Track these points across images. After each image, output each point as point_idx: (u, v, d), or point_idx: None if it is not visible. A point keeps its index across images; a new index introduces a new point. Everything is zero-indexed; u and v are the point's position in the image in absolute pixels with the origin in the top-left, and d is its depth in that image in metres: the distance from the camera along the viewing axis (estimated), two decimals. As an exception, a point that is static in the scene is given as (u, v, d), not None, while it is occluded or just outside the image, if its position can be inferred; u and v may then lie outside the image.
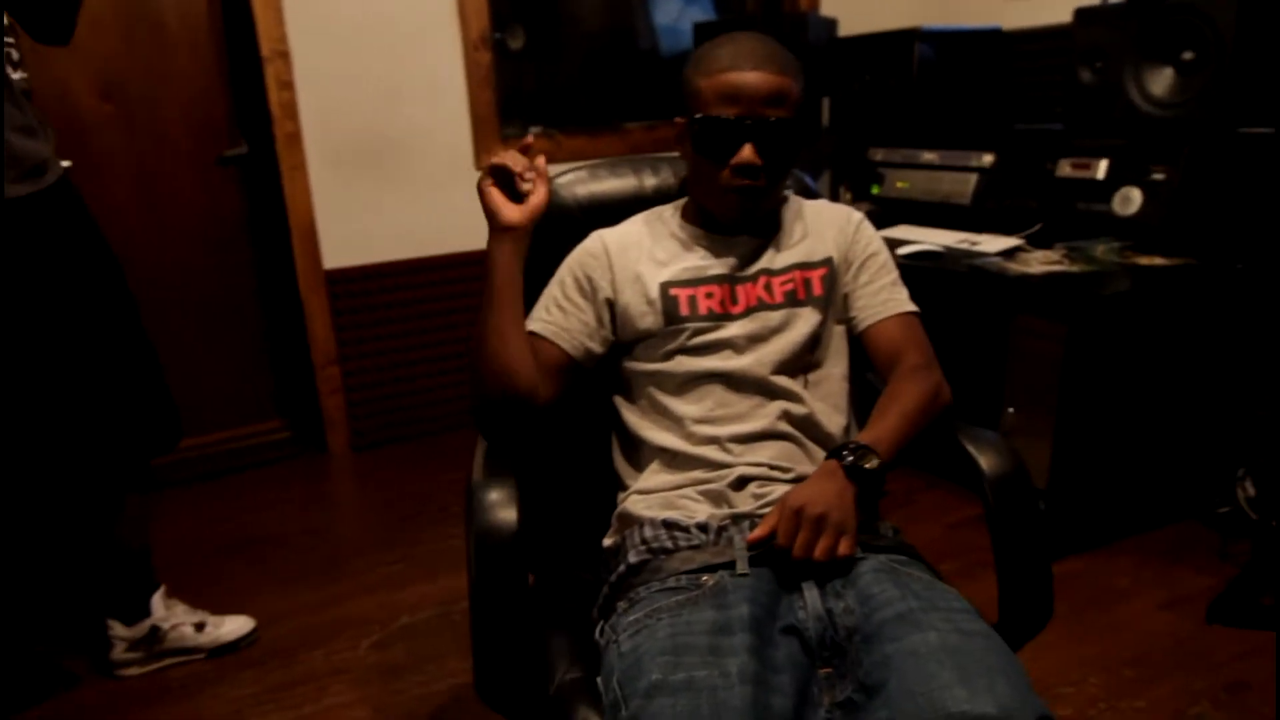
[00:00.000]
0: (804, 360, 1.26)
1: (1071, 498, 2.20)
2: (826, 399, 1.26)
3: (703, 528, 1.15)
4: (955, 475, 1.21)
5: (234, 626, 2.07)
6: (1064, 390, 2.14)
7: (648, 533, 1.17)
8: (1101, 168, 2.34)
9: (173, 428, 1.91)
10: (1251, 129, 2.14)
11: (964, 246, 2.44)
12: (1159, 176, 2.21)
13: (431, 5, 2.98)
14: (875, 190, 2.97)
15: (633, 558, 1.15)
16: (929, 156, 2.82)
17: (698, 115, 1.22)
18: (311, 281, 3.00)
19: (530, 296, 1.32)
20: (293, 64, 2.84)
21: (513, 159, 1.22)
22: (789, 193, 1.38)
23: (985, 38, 3.00)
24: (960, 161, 2.72)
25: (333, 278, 3.01)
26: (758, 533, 1.08)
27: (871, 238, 1.33)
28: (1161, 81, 2.23)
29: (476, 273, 3.18)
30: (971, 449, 1.15)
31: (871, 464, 1.09)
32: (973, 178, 2.67)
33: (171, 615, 2.01)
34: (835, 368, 1.29)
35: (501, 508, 1.10)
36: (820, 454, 1.21)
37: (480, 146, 3.14)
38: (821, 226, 1.32)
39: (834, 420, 1.25)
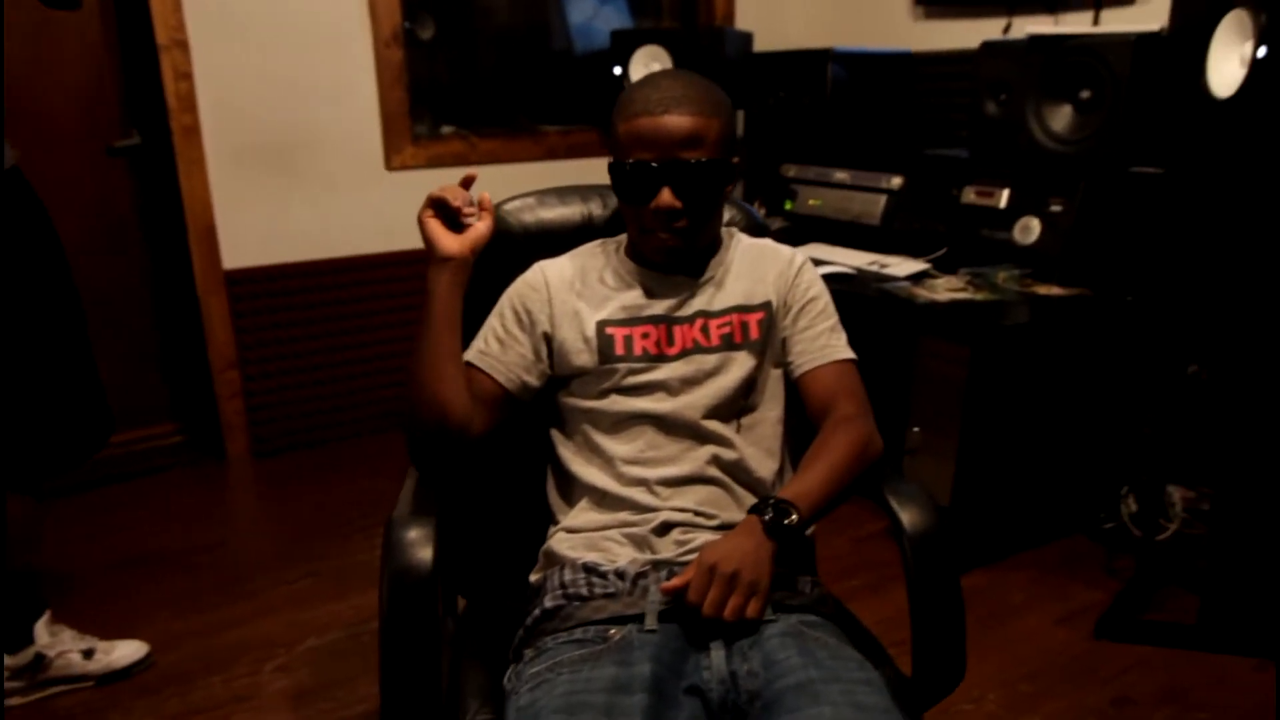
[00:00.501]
0: (737, 405, 1.26)
1: (973, 514, 2.29)
2: (759, 444, 1.27)
3: (621, 575, 1.15)
4: (864, 489, 1.21)
5: (126, 652, 1.97)
6: (966, 411, 2.22)
7: (567, 576, 1.17)
8: (1003, 197, 2.44)
9: (107, 424, 1.86)
10: (1143, 168, 2.27)
11: (874, 269, 2.51)
12: (1057, 209, 2.32)
13: (342, 0, 2.88)
14: (788, 206, 3.02)
15: (548, 602, 1.15)
16: (841, 175, 2.88)
17: (614, 162, 1.22)
18: (210, 281, 2.87)
19: (473, 324, 1.32)
20: (191, 54, 2.71)
21: (452, 194, 1.21)
22: (734, 230, 1.38)
23: (896, 61, 3.08)
24: (870, 182, 2.79)
25: (233, 278, 2.89)
26: (673, 584, 1.08)
27: (812, 282, 1.32)
28: (1061, 118, 2.34)
29: (387, 275, 3.12)
30: (894, 503, 1.15)
31: (791, 521, 1.09)
32: (882, 199, 2.74)
33: (57, 642, 1.90)
34: (770, 412, 1.29)
35: (418, 547, 1.09)
36: (750, 499, 1.22)
37: (391, 146, 3.06)
38: (763, 269, 1.31)
39: (766, 465, 1.26)
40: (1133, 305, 2.29)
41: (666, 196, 1.18)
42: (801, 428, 1.29)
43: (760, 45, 3.28)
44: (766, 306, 1.29)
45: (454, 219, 1.22)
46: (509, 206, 1.44)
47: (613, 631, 1.08)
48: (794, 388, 1.30)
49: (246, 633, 2.10)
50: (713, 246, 1.32)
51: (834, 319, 1.32)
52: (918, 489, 1.18)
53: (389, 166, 3.07)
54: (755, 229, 1.47)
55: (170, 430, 3.08)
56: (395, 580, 1.08)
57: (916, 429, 2.34)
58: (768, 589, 1.06)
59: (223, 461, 3.00)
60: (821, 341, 1.28)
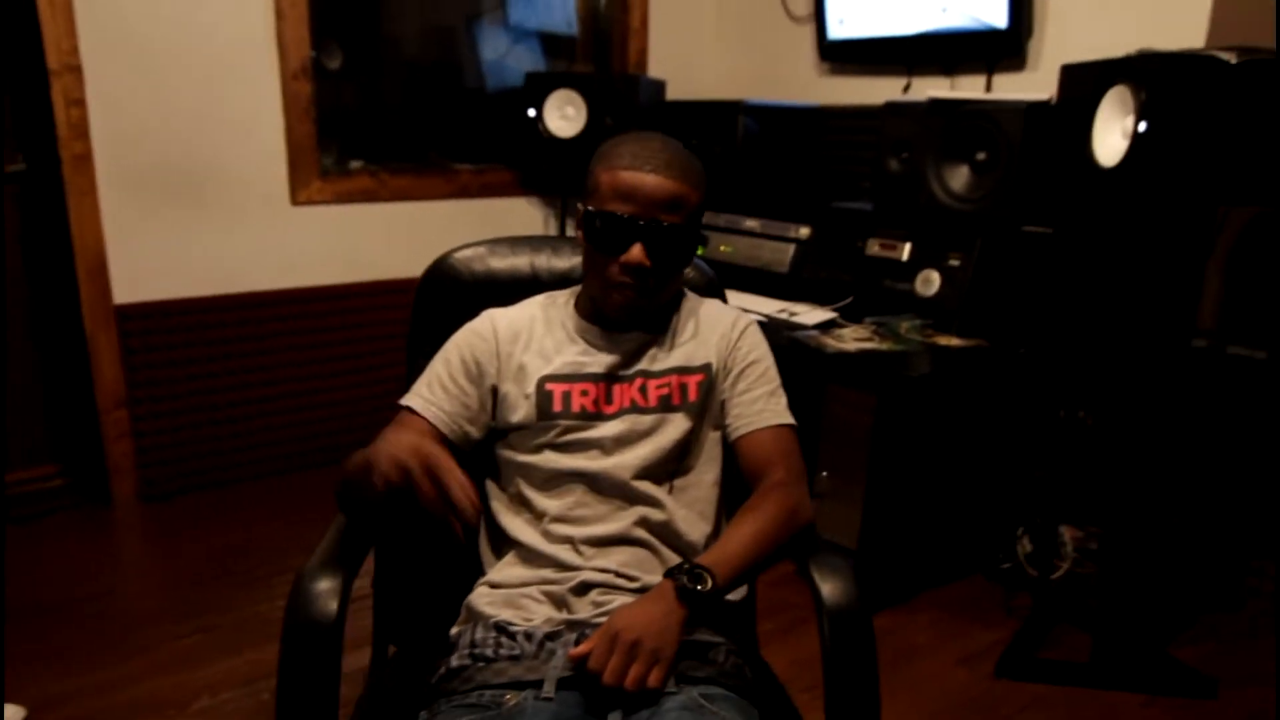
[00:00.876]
0: (670, 466, 1.26)
1: (879, 556, 2.35)
2: (692, 506, 1.26)
3: (529, 636, 1.14)
4: (790, 555, 1.22)
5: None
6: (873, 456, 2.29)
7: (479, 634, 1.16)
8: (905, 250, 2.54)
9: None
10: (1034, 228, 2.40)
11: (784, 316, 2.57)
12: (955, 263, 2.43)
13: (247, 28, 2.81)
14: (700, 252, 3.05)
15: (455, 661, 1.14)
16: (751, 224, 2.95)
17: (592, 208, 1.23)
18: (99, 316, 2.73)
19: (416, 368, 1.31)
20: (85, 80, 2.59)
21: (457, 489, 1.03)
22: (688, 291, 1.38)
23: (805, 114, 3.19)
24: (780, 232, 2.86)
25: (125, 313, 2.75)
26: (578, 650, 1.06)
27: (754, 346, 1.32)
28: (959, 177, 2.46)
29: (290, 312, 3.03)
30: (815, 576, 1.14)
31: (705, 587, 1.08)
32: (791, 248, 2.82)
33: (-78, 709, 1.76)
34: (706, 474, 1.28)
35: (323, 600, 1.08)
36: (676, 562, 1.22)
37: (297, 180, 2.98)
38: (706, 331, 1.32)
39: (697, 528, 1.25)
40: (1025, 355, 2.41)
41: (637, 252, 1.19)
42: (740, 491, 1.29)
43: (672, 94, 3.35)
44: (706, 369, 1.29)
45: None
46: (460, 255, 1.44)
47: (508, 697, 1.07)
48: (731, 451, 1.30)
49: (135, 692, 1.98)
50: (664, 307, 1.32)
51: (774, 384, 1.32)
52: (841, 562, 1.18)
53: (294, 201, 3.00)
54: (711, 287, 1.47)
55: (51, 472, 2.90)
56: (295, 633, 1.07)
57: (825, 474, 2.40)
58: (671, 658, 1.05)
59: (108, 506, 2.84)
60: (759, 406, 1.28)
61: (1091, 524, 2.42)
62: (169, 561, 2.59)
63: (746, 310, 2.58)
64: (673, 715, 1.03)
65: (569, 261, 1.49)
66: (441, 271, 1.44)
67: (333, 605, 1.07)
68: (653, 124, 3.15)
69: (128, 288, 2.75)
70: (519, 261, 1.47)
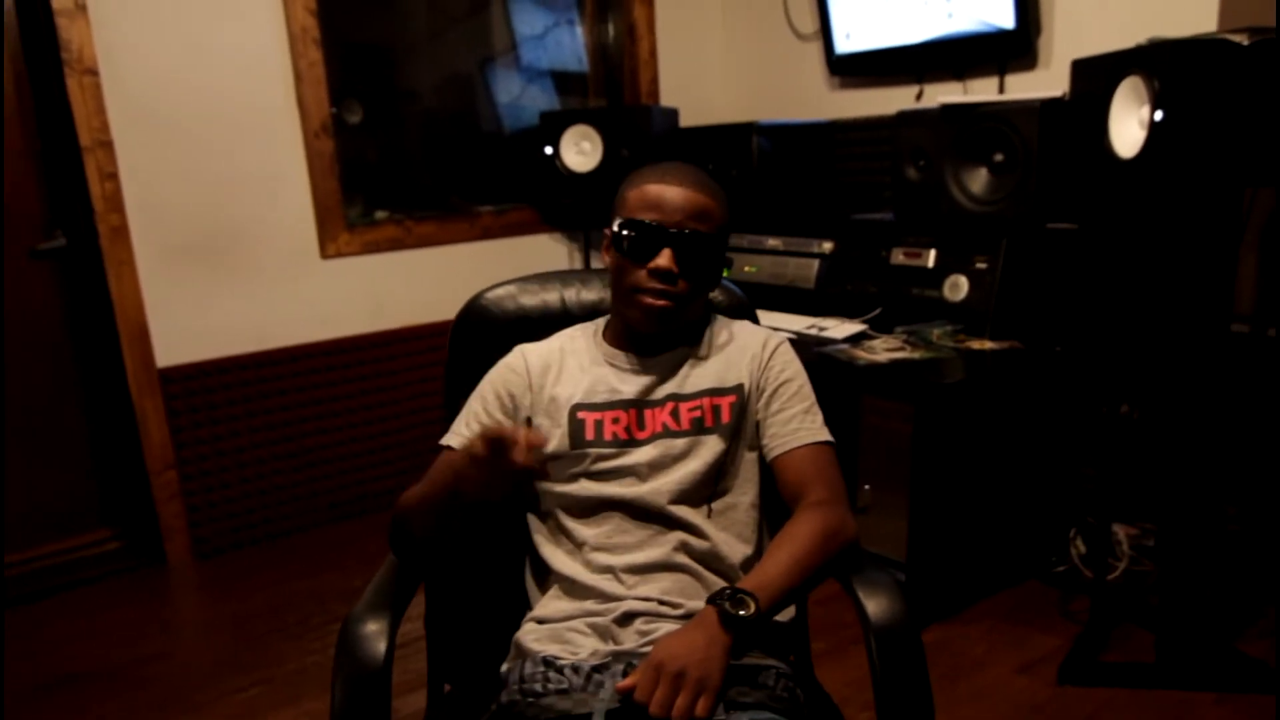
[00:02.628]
0: (707, 489, 1.25)
1: (928, 568, 2.32)
2: (731, 528, 1.26)
3: (577, 670, 1.14)
4: (835, 573, 1.21)
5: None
6: (915, 466, 2.27)
7: (527, 670, 1.16)
8: (931, 257, 2.53)
9: None
10: (1059, 225, 2.38)
11: (813, 332, 2.57)
12: (982, 266, 2.42)
13: (268, 93, 2.89)
14: (725, 273, 3.07)
15: (504, 698, 1.15)
16: (773, 242, 2.96)
17: (619, 220, 1.26)
18: (143, 382, 2.79)
19: (455, 408, 1.35)
20: (116, 154, 2.67)
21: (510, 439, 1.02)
22: (716, 315, 1.39)
23: (817, 130, 3.20)
24: (802, 248, 2.87)
25: (168, 376, 2.82)
26: (625, 683, 1.06)
27: (786, 364, 1.32)
28: (978, 180, 2.45)
29: (325, 364, 3.08)
30: (860, 593, 1.13)
31: (749, 612, 1.07)
32: (815, 263, 2.82)
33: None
34: (743, 496, 1.28)
35: (372, 641, 1.10)
36: (720, 586, 1.21)
37: (325, 234, 3.04)
38: (737, 352, 1.32)
39: (737, 551, 1.25)
40: (1061, 354, 2.38)
41: (665, 258, 1.22)
42: (779, 511, 1.28)
43: (686, 121, 3.37)
44: (739, 389, 1.29)
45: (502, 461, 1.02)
46: (491, 295, 1.48)
47: None
48: (769, 471, 1.29)
49: (196, 750, 2.01)
50: (691, 327, 1.33)
51: (809, 401, 1.31)
52: (886, 578, 1.17)
53: (324, 255, 3.06)
54: (741, 309, 1.48)
55: (105, 536, 2.96)
56: (347, 678, 1.09)
57: (867, 487, 2.38)
58: (717, 686, 1.04)
59: (163, 566, 2.89)
60: (794, 425, 1.27)
61: (1145, 520, 2.37)
62: (225, 617, 2.62)
63: (776, 328, 2.60)
64: None
65: (597, 294, 1.50)
66: (475, 312, 1.47)
67: (380, 647, 1.09)
68: (668, 152, 3.18)
69: (168, 351, 2.82)
70: (549, 297, 1.50)
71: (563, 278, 1.52)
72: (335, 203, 3.06)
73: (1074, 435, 2.51)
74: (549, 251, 3.54)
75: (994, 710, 1.99)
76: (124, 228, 2.71)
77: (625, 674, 1.10)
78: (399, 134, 3.46)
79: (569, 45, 3.72)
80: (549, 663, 1.16)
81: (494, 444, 1.01)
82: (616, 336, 1.33)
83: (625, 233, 1.24)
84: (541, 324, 1.44)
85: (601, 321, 1.38)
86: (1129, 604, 2.28)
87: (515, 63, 3.64)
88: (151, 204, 2.74)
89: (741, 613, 1.07)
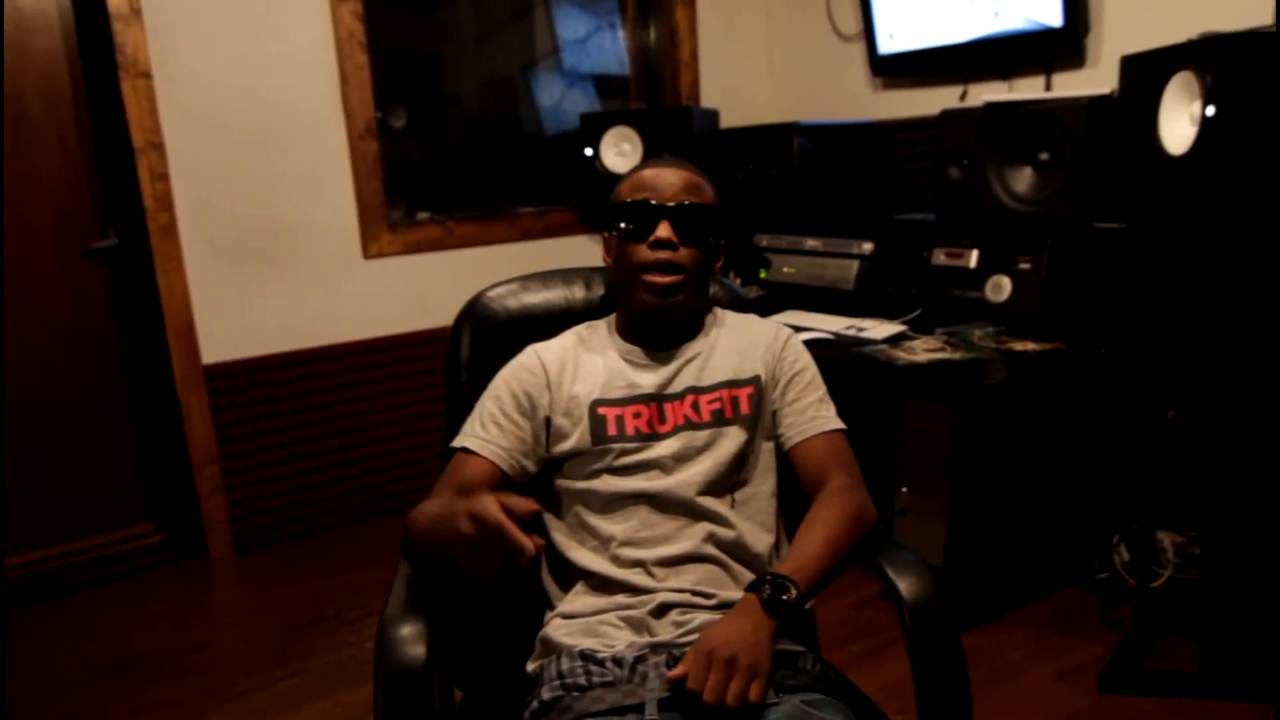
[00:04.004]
0: (730, 480, 1.26)
1: (967, 572, 2.28)
2: (754, 518, 1.27)
3: (618, 662, 1.13)
4: (860, 557, 1.20)
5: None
6: (954, 469, 2.24)
7: (564, 665, 1.15)
8: (973, 257, 2.50)
9: None
10: (1105, 224, 2.33)
11: (851, 333, 2.54)
12: (1026, 266, 2.38)
13: (314, 96, 2.94)
14: (763, 275, 3.07)
15: (546, 694, 1.13)
16: (812, 243, 2.94)
17: (614, 204, 1.30)
18: (189, 378, 2.85)
19: (456, 409, 1.34)
20: (167, 155, 2.74)
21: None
22: (717, 309, 1.40)
23: (859, 130, 3.18)
24: (842, 249, 2.84)
25: (213, 372, 2.87)
26: (675, 672, 1.05)
27: (799, 355, 1.35)
28: (1022, 180, 2.41)
29: (367, 362, 3.12)
30: (891, 573, 1.14)
31: (790, 596, 1.09)
32: (855, 264, 2.79)
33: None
34: (763, 485, 1.29)
35: (411, 644, 1.08)
36: (747, 576, 1.21)
37: (368, 234, 3.09)
38: (750, 343, 1.34)
39: (762, 540, 1.26)
40: (1107, 356, 2.33)
41: (665, 229, 1.25)
42: (795, 500, 1.30)
43: (726, 122, 3.37)
44: (755, 380, 1.30)
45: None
46: (492, 293, 1.47)
47: None
48: (786, 460, 1.31)
49: (235, 738, 2.04)
50: (698, 319, 1.35)
51: (822, 390, 1.34)
52: (913, 556, 1.18)
53: (366, 254, 3.10)
54: (738, 304, 1.50)
55: (149, 530, 3.02)
56: (389, 681, 1.07)
57: (905, 489, 2.35)
58: (768, 670, 1.05)
59: (205, 559, 2.94)
60: (810, 413, 1.30)
61: (1191, 528, 2.30)
62: (263, 610, 2.66)
63: (814, 329, 2.59)
64: None
65: (600, 291, 1.51)
66: (476, 311, 1.46)
67: (420, 650, 1.07)
68: (708, 152, 3.18)
69: (214, 348, 2.88)
70: (552, 295, 1.50)
71: (565, 276, 1.52)
72: (379, 203, 3.10)
73: (1118, 440, 2.45)
74: (588, 252, 3.55)
75: (1033, 716, 1.94)
76: (173, 227, 2.77)
77: (668, 665, 1.09)
78: (442, 137, 3.50)
79: (611, 49, 3.74)
80: (587, 656, 1.15)
81: (484, 529, 0.95)
82: (629, 331, 1.34)
83: (623, 216, 1.28)
84: (545, 322, 1.44)
85: (611, 318, 1.39)
86: (1173, 613, 2.22)
87: (557, 66, 3.66)
88: (200, 204, 2.80)
89: (784, 597, 1.08)
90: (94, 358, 2.87)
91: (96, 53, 2.70)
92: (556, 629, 1.22)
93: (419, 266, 3.20)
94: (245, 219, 2.88)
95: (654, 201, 1.26)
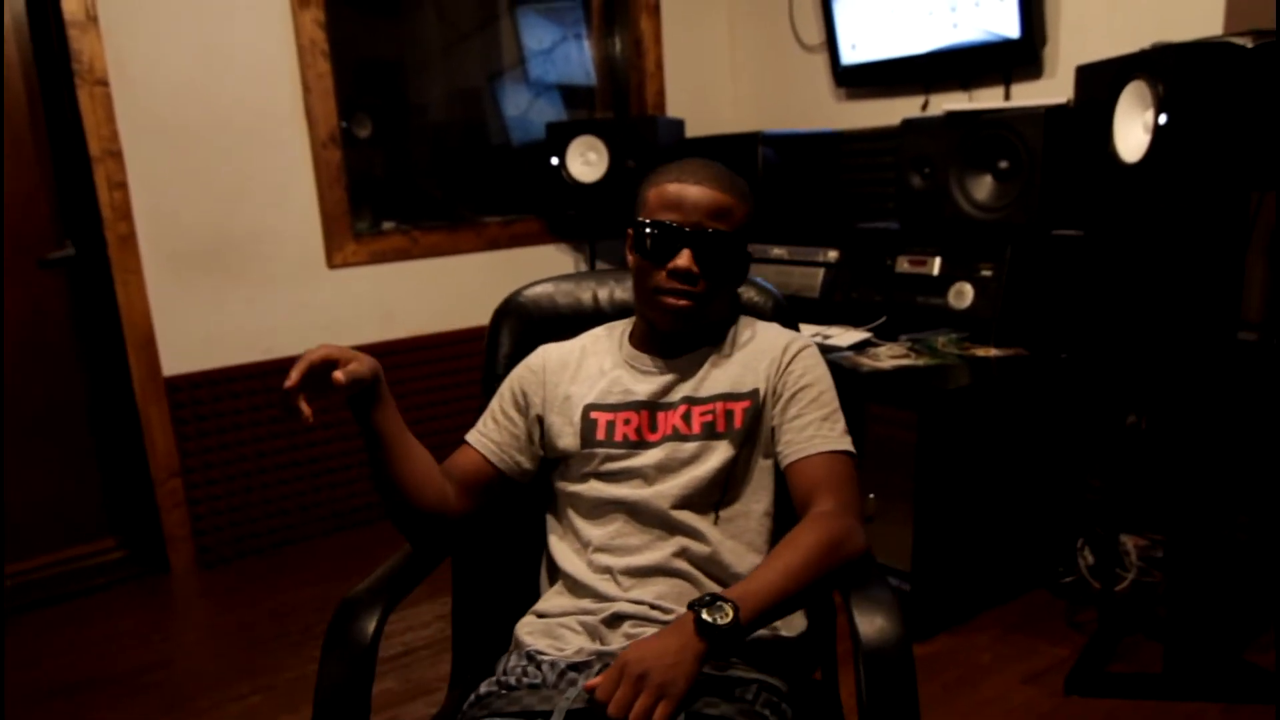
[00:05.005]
0: (714, 495, 1.22)
1: (934, 576, 2.30)
2: (740, 537, 1.23)
3: (554, 666, 1.14)
4: (838, 586, 1.17)
5: (67, 788, 1.86)
6: (920, 474, 2.25)
7: (512, 662, 1.18)
8: (935, 264, 2.52)
9: None
10: (1064, 231, 2.37)
11: (818, 340, 2.55)
12: (987, 273, 2.41)
13: (276, 104, 2.91)
14: (730, 283, 3.07)
15: (483, 688, 1.16)
16: (778, 252, 2.96)
17: (641, 219, 1.25)
18: (150, 390, 2.81)
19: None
20: (126, 164, 2.70)
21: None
22: (741, 316, 1.35)
23: (823, 140, 3.21)
24: (808, 257, 2.86)
25: (174, 384, 2.83)
26: (592, 682, 1.04)
27: (808, 369, 1.27)
28: (983, 188, 2.44)
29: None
30: (856, 611, 1.07)
31: (724, 619, 1.01)
32: (820, 272, 2.81)
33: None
34: (756, 504, 1.24)
35: (360, 623, 1.13)
36: None
37: (332, 244, 3.06)
38: (756, 355, 1.28)
39: (746, 560, 1.21)
40: (1067, 362, 2.36)
41: (685, 259, 1.20)
42: (794, 522, 1.22)
43: (692, 131, 3.38)
44: (754, 395, 1.25)
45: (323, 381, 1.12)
46: (527, 293, 1.49)
47: None
48: (785, 480, 1.25)
49: (196, 757, 2.00)
50: (714, 328, 1.31)
51: (829, 409, 1.25)
52: (888, 596, 1.10)
53: (330, 264, 3.07)
54: (778, 311, 1.45)
55: (110, 545, 2.96)
56: (331, 654, 1.11)
57: (871, 495, 2.36)
58: (681, 694, 1.00)
59: (167, 575, 2.89)
60: (810, 432, 1.22)
61: (1154, 531, 2.34)
62: (228, 625, 2.62)
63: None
64: None
65: (630, 292, 1.47)
66: (509, 310, 1.49)
67: (368, 628, 1.11)
68: (673, 161, 3.18)
69: (175, 360, 2.83)
70: (583, 295, 1.51)
71: (599, 276, 1.54)
72: (342, 212, 3.07)
73: (1081, 444, 2.49)
74: (555, 261, 3.55)
75: (999, 719, 1.96)
76: (132, 236, 2.73)
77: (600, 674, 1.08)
78: (408, 147, 3.48)
79: (577, 59, 3.74)
80: (531, 657, 1.17)
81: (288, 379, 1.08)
82: (641, 338, 1.33)
83: (645, 233, 1.23)
84: (575, 321, 1.46)
85: (629, 322, 1.37)
86: (1137, 615, 2.25)
87: (524, 77, 3.66)
88: (159, 213, 2.76)
89: (718, 620, 1.01)
90: (52, 370, 2.81)
91: (52, 60, 2.66)
92: (524, 626, 1.24)
93: (384, 276, 3.18)
94: (206, 228, 2.85)
95: (675, 224, 1.21)
